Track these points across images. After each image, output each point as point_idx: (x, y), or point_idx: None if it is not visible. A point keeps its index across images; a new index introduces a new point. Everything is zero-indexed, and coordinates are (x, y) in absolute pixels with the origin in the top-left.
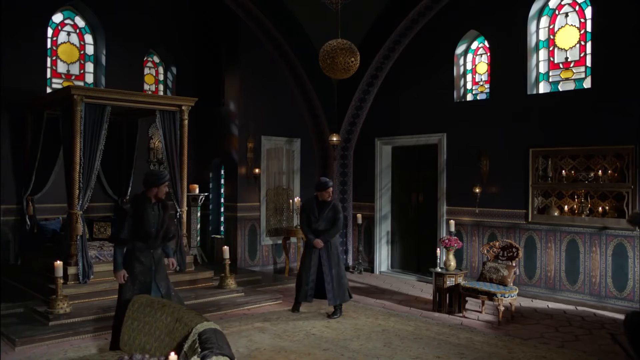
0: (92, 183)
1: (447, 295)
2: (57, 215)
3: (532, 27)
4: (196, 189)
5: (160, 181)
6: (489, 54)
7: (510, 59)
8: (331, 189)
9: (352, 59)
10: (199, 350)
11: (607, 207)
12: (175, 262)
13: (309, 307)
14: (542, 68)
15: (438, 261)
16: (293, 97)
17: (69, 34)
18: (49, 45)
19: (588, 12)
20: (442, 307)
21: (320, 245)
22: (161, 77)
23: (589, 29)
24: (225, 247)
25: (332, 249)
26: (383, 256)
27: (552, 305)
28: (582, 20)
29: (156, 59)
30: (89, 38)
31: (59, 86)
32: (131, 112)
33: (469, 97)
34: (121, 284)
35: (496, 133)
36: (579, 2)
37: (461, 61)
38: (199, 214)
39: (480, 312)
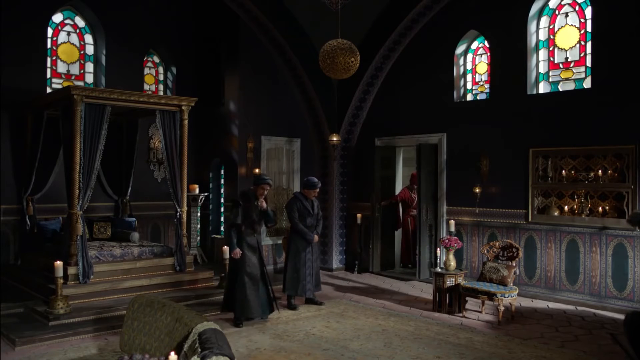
0: (92, 183)
1: (447, 295)
2: (57, 215)
3: (532, 27)
4: (196, 189)
5: (265, 181)
6: (489, 54)
7: (510, 59)
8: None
9: (352, 59)
10: (199, 350)
11: (607, 207)
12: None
13: (309, 307)
14: (542, 68)
15: (438, 261)
16: (293, 97)
17: (69, 34)
18: (49, 45)
19: (588, 12)
20: (442, 307)
21: (316, 240)
22: (161, 77)
23: (589, 29)
24: (226, 247)
25: (315, 244)
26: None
27: (552, 305)
28: (582, 20)
29: (156, 59)
30: (89, 38)
31: (59, 86)
32: (131, 112)
33: (469, 97)
34: (237, 260)
35: (496, 133)
36: (579, 2)
37: (461, 61)
38: (199, 214)
39: (480, 312)
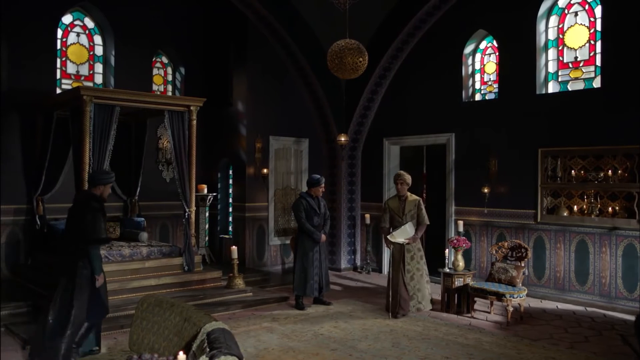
0: None
1: (456, 295)
2: (66, 215)
3: (541, 26)
4: (204, 189)
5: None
6: (497, 54)
7: (519, 58)
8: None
9: (361, 59)
10: (208, 349)
11: (617, 208)
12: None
13: (317, 307)
14: (551, 67)
15: (446, 261)
16: (301, 97)
17: (78, 34)
18: (58, 46)
19: (598, 11)
20: (451, 307)
21: (324, 240)
22: (170, 78)
23: (598, 28)
24: (234, 247)
25: (322, 243)
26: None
27: (562, 306)
28: (592, 19)
29: (165, 60)
30: (98, 39)
31: (69, 87)
32: (140, 112)
33: (478, 97)
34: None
35: (505, 133)
36: (589, 1)
37: (469, 61)
38: (207, 214)
39: (489, 312)
